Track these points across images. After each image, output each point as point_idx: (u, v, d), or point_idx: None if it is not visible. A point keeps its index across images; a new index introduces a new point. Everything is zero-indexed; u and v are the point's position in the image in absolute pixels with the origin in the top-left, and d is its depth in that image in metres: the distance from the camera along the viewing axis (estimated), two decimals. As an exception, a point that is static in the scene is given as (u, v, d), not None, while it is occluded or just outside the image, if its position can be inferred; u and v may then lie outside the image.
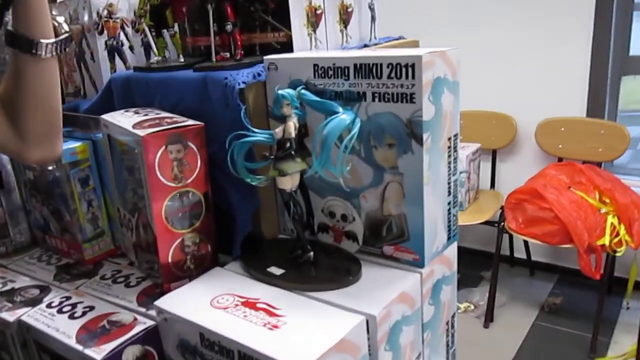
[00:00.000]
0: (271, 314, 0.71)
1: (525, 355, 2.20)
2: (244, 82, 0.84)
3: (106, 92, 1.05)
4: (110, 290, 0.89)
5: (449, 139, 0.81)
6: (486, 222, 2.43)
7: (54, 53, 0.73)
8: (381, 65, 0.74)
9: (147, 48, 1.15)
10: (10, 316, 0.85)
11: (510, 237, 2.69)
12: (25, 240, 1.11)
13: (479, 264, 2.83)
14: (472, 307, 2.55)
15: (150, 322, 0.79)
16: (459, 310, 2.51)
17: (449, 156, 0.81)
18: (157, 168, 0.79)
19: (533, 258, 2.74)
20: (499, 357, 2.21)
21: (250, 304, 0.74)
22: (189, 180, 0.83)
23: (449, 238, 0.86)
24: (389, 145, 0.77)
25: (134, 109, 0.95)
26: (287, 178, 0.78)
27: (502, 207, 2.46)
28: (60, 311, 0.84)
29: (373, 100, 0.77)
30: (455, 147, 0.83)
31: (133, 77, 1.01)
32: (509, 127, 2.62)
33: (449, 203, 0.84)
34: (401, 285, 0.76)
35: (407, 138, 0.75)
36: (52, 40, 0.72)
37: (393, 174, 0.78)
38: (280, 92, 0.77)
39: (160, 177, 0.80)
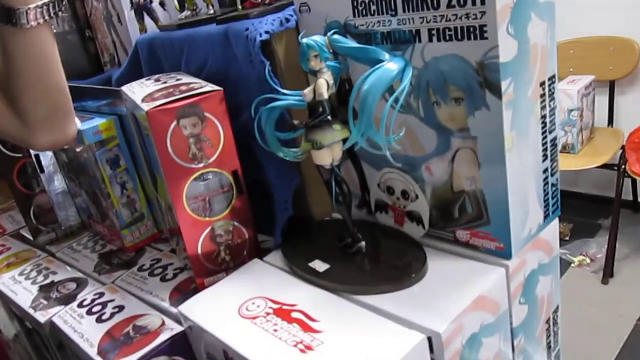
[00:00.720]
0: (306, 328, 0.56)
1: (652, 317, 1.91)
2: (267, 32, 0.67)
3: (134, 57, 0.92)
4: (145, 284, 0.79)
5: (542, 84, 0.59)
6: (604, 166, 2.10)
7: (41, 20, 0.60)
8: (438, -11, 0.54)
9: (181, 1, 1.00)
10: (42, 316, 0.78)
11: (634, 179, 2.32)
12: (75, 224, 1.05)
13: (596, 211, 2.50)
14: (588, 260, 2.26)
15: (179, 328, 0.67)
16: (573, 265, 2.24)
17: (543, 107, 0.60)
18: (169, 148, 0.66)
19: (662, 204, 2.37)
20: (620, 317, 1.93)
21: (284, 313, 0.59)
22: (212, 159, 0.68)
23: (546, 216, 0.65)
24: (454, 99, 0.57)
25: (155, 76, 0.82)
26: (325, 151, 0.61)
27: (622, 147, 2.11)
28: (89, 312, 0.75)
29: (430, 39, 0.56)
30: (551, 94, 0.60)
31: (158, 37, 0.87)
32: (630, 52, 2.22)
33: (545, 170, 0.63)
34: (478, 285, 0.57)
35: (480, 89, 0.55)
36: (34, 4, 0.59)
37: (463, 137, 0.58)
38: (304, 41, 0.59)
39: (175, 158, 0.66)
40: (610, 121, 2.33)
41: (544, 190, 0.63)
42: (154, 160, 0.76)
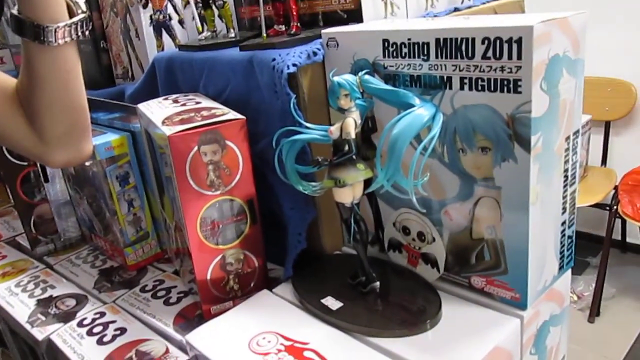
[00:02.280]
0: (320, 370, 0.55)
1: (637, 356, 1.91)
2: (294, 65, 0.67)
3: (150, 74, 0.92)
4: (147, 306, 0.78)
5: (567, 138, 0.59)
6: (595, 205, 2.12)
7: (69, 39, 0.59)
8: (473, 40, 0.54)
9: (202, 22, 1.00)
10: (40, 333, 0.76)
11: (623, 219, 2.35)
12: (75, 235, 1.03)
13: (584, 249, 2.51)
14: (575, 298, 2.27)
15: (183, 357, 0.66)
16: (559, 302, 2.25)
17: (566, 161, 0.60)
18: (188, 174, 0.65)
19: (650, 244, 2.40)
20: (605, 357, 1.94)
21: (296, 351, 0.58)
22: (229, 187, 0.68)
23: (560, 267, 0.65)
24: (481, 149, 0.57)
25: (174, 96, 0.81)
26: (347, 189, 0.61)
27: (615, 188, 2.13)
28: (90, 332, 0.74)
29: (461, 88, 0.57)
30: (574, 149, 0.61)
31: (176, 56, 0.87)
32: (627, 95, 2.26)
33: (563, 223, 0.63)
34: (494, 336, 0.57)
35: (508, 141, 0.55)
36: (64, 23, 0.58)
37: (487, 187, 0.58)
38: (335, 79, 0.59)
39: (193, 185, 0.65)
40: (604, 161, 2.37)
41: (561, 242, 0.64)
42: (165, 179, 0.76)
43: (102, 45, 1.07)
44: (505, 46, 0.52)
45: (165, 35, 0.97)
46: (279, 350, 0.59)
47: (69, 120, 0.63)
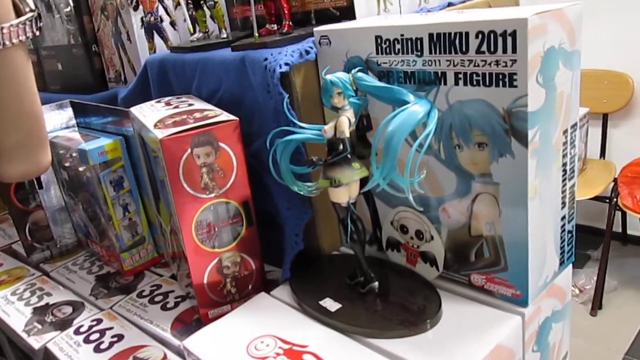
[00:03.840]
0: (319, 373, 0.54)
1: (640, 349, 1.91)
2: (287, 64, 0.66)
3: (142, 77, 0.91)
4: (144, 312, 0.77)
5: (565, 132, 0.58)
6: (595, 198, 2.11)
7: (16, 40, 0.53)
8: (467, 34, 0.53)
9: (193, 23, 0.99)
10: (37, 342, 0.75)
11: (624, 211, 2.35)
12: (71, 242, 1.02)
13: (585, 242, 2.51)
14: (577, 291, 2.26)
15: (182, 363, 0.65)
16: (561, 295, 2.24)
17: (565, 155, 0.59)
18: (181, 177, 0.64)
19: (651, 236, 2.39)
20: (609, 350, 1.93)
21: (295, 354, 0.57)
22: (223, 190, 0.67)
23: (561, 262, 0.64)
24: (478, 144, 0.56)
25: (166, 99, 0.80)
26: (342, 189, 0.60)
27: (614, 180, 2.13)
28: (87, 340, 0.73)
29: (456, 83, 0.56)
30: (572, 142, 0.60)
31: (168, 58, 0.86)
32: (624, 87, 2.25)
33: (563, 217, 0.62)
34: (496, 334, 0.56)
35: (505, 135, 0.54)
36: (9, 23, 0.52)
37: (485, 183, 0.58)
38: (328, 77, 0.58)
39: (187, 188, 0.65)
40: (603, 153, 2.36)
41: (561, 238, 0.63)
42: (159, 183, 0.75)
43: (94, 49, 1.06)
44: (500, 40, 0.51)
45: (157, 38, 0.96)
46: (278, 354, 0.58)
47: (22, 130, 0.57)
